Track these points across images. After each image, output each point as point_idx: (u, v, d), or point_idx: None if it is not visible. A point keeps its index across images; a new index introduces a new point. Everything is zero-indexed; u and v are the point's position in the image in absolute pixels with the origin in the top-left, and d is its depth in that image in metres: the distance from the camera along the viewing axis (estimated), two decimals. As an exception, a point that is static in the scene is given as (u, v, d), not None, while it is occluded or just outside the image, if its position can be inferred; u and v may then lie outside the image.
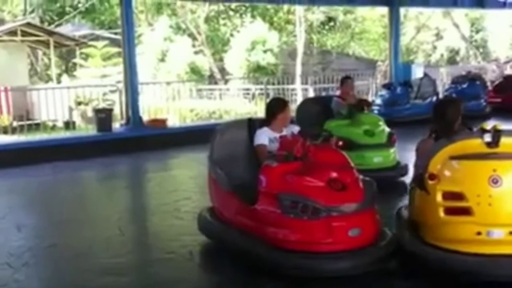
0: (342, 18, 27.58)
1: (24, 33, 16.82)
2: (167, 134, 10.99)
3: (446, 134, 4.28)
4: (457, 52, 31.14)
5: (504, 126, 3.99)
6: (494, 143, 3.86)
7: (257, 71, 21.42)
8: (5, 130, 12.64)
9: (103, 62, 19.05)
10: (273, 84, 16.78)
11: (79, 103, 15.55)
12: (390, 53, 14.97)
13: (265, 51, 21.86)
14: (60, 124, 14.00)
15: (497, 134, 3.87)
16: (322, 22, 26.99)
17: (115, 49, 18.70)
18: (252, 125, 5.10)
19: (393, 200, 6.07)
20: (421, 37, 30.46)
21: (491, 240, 3.83)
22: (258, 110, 16.28)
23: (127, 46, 10.65)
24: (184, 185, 8.04)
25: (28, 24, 17.63)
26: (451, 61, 30.16)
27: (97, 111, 11.01)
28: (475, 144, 3.93)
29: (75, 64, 20.70)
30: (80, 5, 26.35)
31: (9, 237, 5.54)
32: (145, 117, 11.46)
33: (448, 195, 3.93)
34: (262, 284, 4.16)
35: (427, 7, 19.87)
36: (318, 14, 25.87)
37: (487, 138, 3.88)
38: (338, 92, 8.26)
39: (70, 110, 14.32)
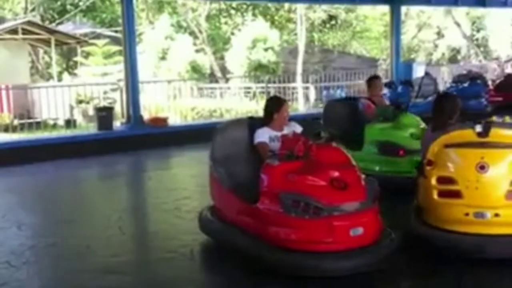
0: (344, 17, 27.56)
1: (25, 32, 16.82)
2: (168, 132, 10.98)
3: (443, 126, 4.64)
4: (458, 51, 31.10)
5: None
6: (484, 133, 4.26)
7: (258, 69, 21.40)
8: (6, 129, 12.65)
9: (104, 61, 19.06)
10: (274, 82, 16.78)
11: (80, 102, 15.57)
12: (391, 52, 14.93)
13: (266, 50, 21.83)
14: (61, 122, 14.02)
15: (487, 125, 4.28)
16: (323, 21, 26.97)
17: (116, 48, 18.70)
18: (253, 124, 5.06)
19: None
20: (422, 36, 30.42)
21: (478, 221, 4.21)
22: (259, 108, 16.31)
23: (128, 44, 10.64)
24: (184, 183, 8.04)
25: (29, 23, 17.63)
26: (452, 59, 30.13)
27: (98, 109, 11.00)
28: (468, 134, 4.34)
29: (76, 62, 20.70)
30: (81, 3, 26.34)
31: (9, 235, 5.54)
32: (146, 116, 11.46)
33: (442, 179, 4.35)
34: (263, 283, 4.16)
35: (429, 5, 19.84)
36: (319, 12, 25.86)
37: (478, 128, 4.28)
38: (362, 94, 7.79)
39: (71, 108, 14.35)
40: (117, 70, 17.26)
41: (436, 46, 31.13)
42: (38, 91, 14.22)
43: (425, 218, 4.57)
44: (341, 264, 3.98)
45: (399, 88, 13.39)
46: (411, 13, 27.95)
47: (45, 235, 5.62)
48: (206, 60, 23.21)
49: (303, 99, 18.75)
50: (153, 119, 11.36)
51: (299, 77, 19.73)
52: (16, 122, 12.79)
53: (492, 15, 29.48)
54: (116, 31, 23.29)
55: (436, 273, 4.13)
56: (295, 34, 25.69)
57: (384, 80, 16.50)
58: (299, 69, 22.72)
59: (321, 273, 4.01)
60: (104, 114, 10.71)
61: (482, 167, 4.17)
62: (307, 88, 18.38)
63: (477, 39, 31.56)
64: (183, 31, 24.29)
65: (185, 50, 22.09)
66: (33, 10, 25.40)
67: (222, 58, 24.58)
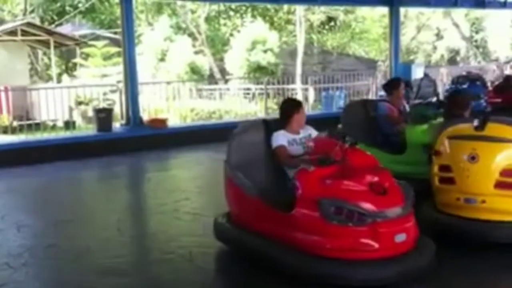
0: (343, 18, 27.57)
1: (24, 33, 16.79)
2: (167, 134, 10.99)
3: (451, 119, 5.17)
4: (457, 52, 31.14)
5: None
6: (480, 127, 4.68)
7: (257, 71, 21.40)
8: (5, 130, 12.65)
9: (103, 62, 19.03)
10: (273, 84, 16.77)
11: (79, 103, 15.55)
12: (390, 53, 14.95)
13: (265, 51, 21.83)
14: (60, 124, 13.99)
15: (484, 120, 4.69)
16: (322, 22, 26.99)
17: (115, 49, 18.68)
18: (269, 126, 4.88)
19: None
20: (421, 37, 30.45)
21: (467, 206, 4.69)
22: (258, 110, 16.31)
23: (127, 45, 10.64)
24: (183, 185, 8.04)
25: (28, 24, 17.60)
26: (452, 61, 30.16)
27: (97, 111, 10.99)
28: (467, 127, 4.79)
29: (75, 63, 20.68)
30: (80, 4, 26.33)
31: (8, 237, 5.54)
32: (145, 117, 11.46)
33: (442, 167, 4.88)
34: (263, 285, 4.16)
35: (428, 7, 19.85)
36: (318, 14, 25.88)
37: (476, 122, 4.71)
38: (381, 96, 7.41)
39: (70, 110, 14.32)
40: (116, 72, 17.23)
41: (435, 47, 31.16)
42: (37, 92, 14.19)
43: (435, 203, 5.02)
44: (387, 272, 3.85)
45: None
46: (410, 15, 27.99)
47: (44, 236, 5.62)
48: (205, 62, 23.20)
49: (302, 101, 18.76)
50: (152, 120, 11.36)
51: (298, 79, 19.73)
52: (15, 123, 12.76)
53: (491, 17, 29.51)
54: (115, 33, 23.27)
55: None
56: (294, 36, 25.71)
57: (383, 82, 16.54)
58: (298, 70, 22.73)
59: (367, 283, 3.87)
60: (104, 116, 10.71)
61: (473, 158, 4.62)
62: (306, 89, 18.37)
63: (476, 41, 31.59)
64: (182, 33, 24.27)
65: (184, 51, 22.08)
66: (32, 11, 25.38)
67: (221, 59, 24.57)
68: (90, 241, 5.29)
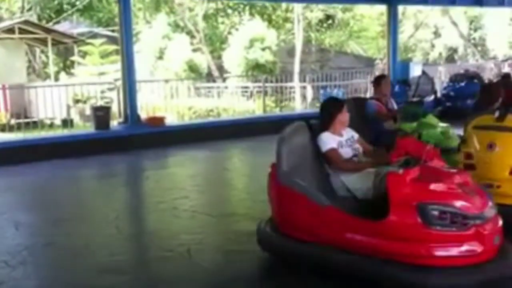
0: (341, 16, 27.56)
1: (22, 31, 16.76)
2: (165, 132, 10.97)
3: (480, 110, 5.68)
4: (455, 50, 31.13)
5: None
6: (501, 118, 5.14)
7: (255, 69, 21.38)
8: (2, 128, 12.63)
9: (101, 60, 19.01)
10: (271, 82, 16.77)
11: (77, 101, 15.55)
12: (388, 51, 14.94)
13: (263, 49, 21.81)
14: (57, 122, 13.97)
15: (504, 111, 5.16)
16: (320, 20, 26.95)
17: (113, 47, 18.66)
18: (313, 128, 4.67)
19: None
20: (419, 35, 30.44)
21: None
22: (256, 108, 16.31)
23: (125, 43, 10.62)
24: (182, 183, 8.04)
25: (26, 22, 17.56)
26: (450, 59, 30.16)
27: (95, 109, 10.97)
28: (490, 118, 5.26)
29: (73, 61, 20.66)
30: (78, 2, 26.28)
31: (6, 235, 5.54)
32: (143, 115, 11.44)
33: (466, 155, 5.31)
34: (261, 282, 4.16)
35: (426, 5, 19.86)
36: (316, 12, 25.85)
37: (497, 114, 5.18)
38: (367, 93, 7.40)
39: (68, 108, 14.29)
40: (114, 70, 17.22)
41: (433, 45, 31.16)
42: (35, 90, 14.15)
43: None
44: (486, 276, 3.69)
45: (396, 88, 13.42)
46: (408, 13, 27.97)
47: (43, 235, 5.61)
48: (203, 60, 23.18)
49: (300, 99, 18.78)
50: (150, 118, 11.35)
51: (296, 77, 19.74)
52: (12, 121, 12.73)
53: (489, 15, 29.50)
54: (113, 31, 23.24)
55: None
56: (292, 34, 25.68)
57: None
58: (296, 68, 22.73)
59: None
60: (101, 114, 10.68)
61: (490, 146, 5.10)
62: (304, 87, 18.40)
63: (474, 39, 31.59)
64: (180, 31, 24.24)
65: (182, 49, 22.05)
66: (30, 9, 25.33)
67: (219, 57, 24.56)
68: (89, 239, 5.29)
